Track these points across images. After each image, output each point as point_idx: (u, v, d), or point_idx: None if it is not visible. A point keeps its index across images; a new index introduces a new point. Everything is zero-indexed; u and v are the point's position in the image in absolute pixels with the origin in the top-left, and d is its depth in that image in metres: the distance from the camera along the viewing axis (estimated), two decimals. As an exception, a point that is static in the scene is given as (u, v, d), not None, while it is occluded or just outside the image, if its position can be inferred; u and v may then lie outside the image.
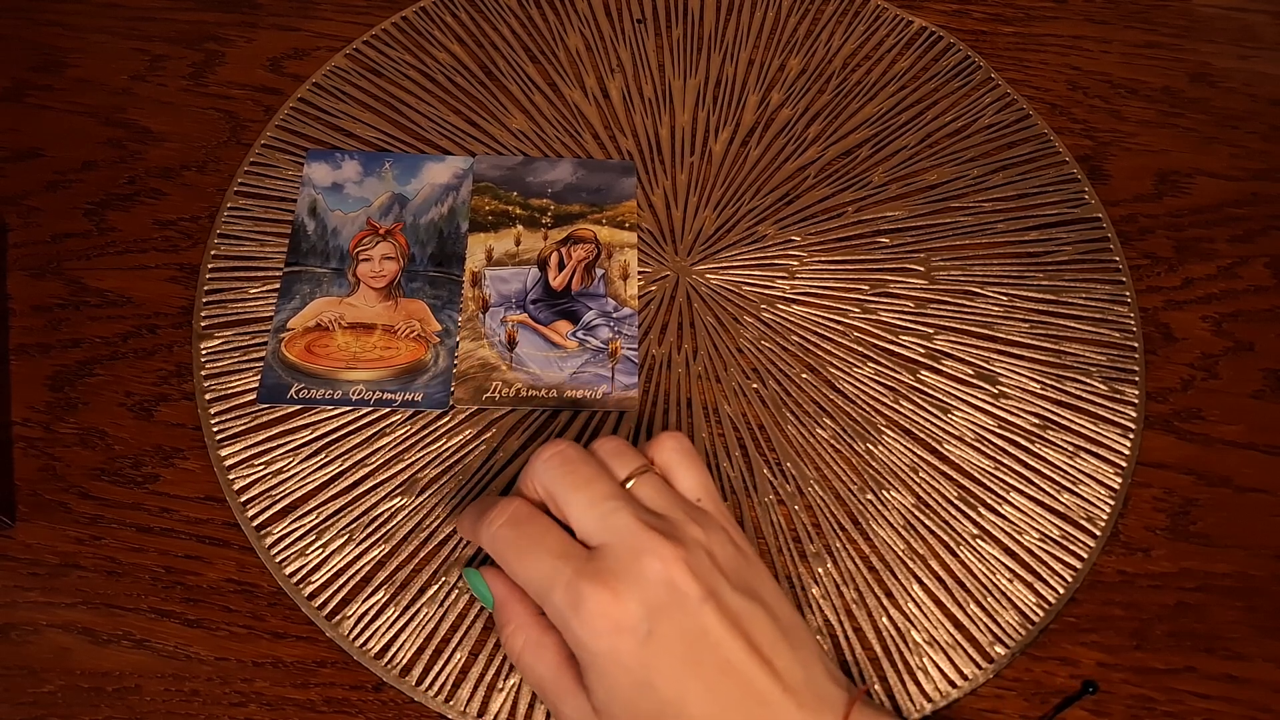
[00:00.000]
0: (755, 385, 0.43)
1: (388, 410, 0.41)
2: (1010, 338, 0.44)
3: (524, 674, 0.34)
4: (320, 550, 0.39)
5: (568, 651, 0.33)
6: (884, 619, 0.38)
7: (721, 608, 0.31)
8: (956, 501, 0.41)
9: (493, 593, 0.35)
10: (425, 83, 0.49)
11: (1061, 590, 0.39)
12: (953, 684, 0.38)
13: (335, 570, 0.38)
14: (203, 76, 0.49)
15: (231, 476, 0.40)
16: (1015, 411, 0.43)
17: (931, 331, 0.44)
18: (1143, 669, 0.38)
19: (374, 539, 0.39)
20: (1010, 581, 0.39)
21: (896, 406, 0.43)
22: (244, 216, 0.45)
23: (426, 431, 0.41)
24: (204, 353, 0.42)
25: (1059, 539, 0.40)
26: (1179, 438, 0.43)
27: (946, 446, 0.42)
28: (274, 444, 0.41)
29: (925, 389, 0.43)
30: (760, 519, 0.40)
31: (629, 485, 0.34)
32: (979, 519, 0.40)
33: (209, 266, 0.44)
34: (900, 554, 0.40)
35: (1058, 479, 0.41)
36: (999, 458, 0.42)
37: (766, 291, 0.45)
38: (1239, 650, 0.39)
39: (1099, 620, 0.39)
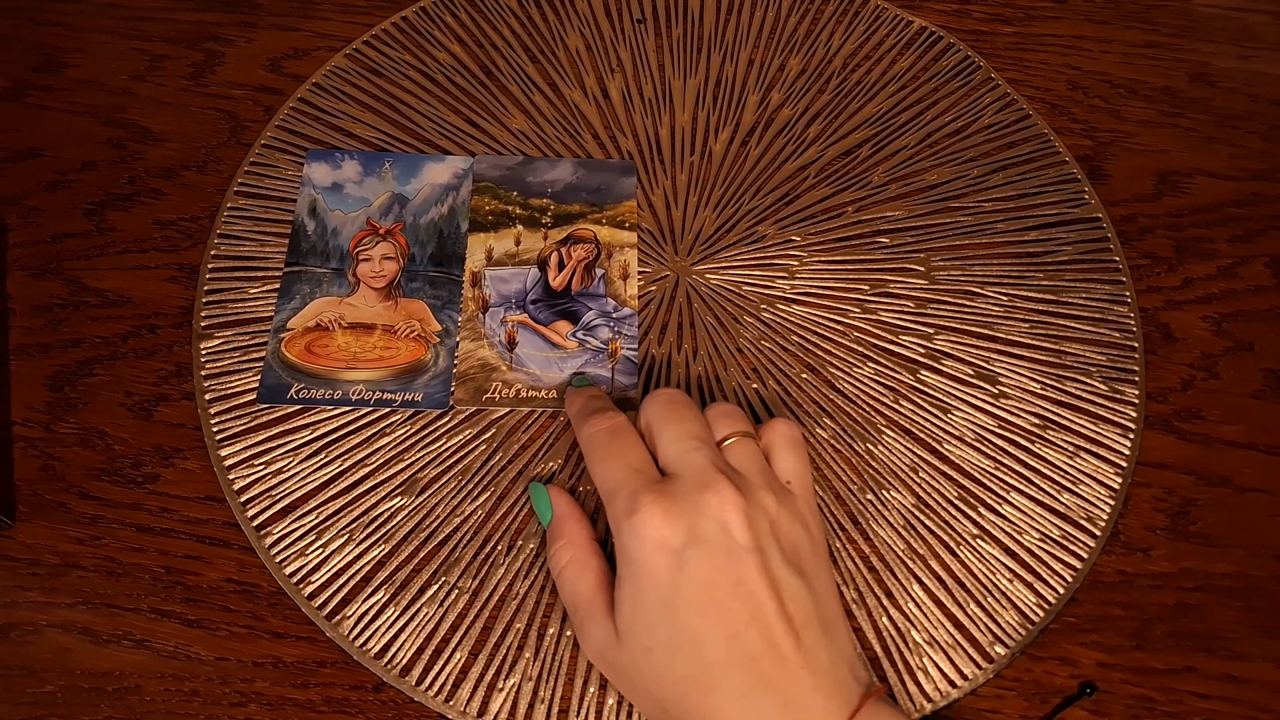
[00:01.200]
0: (755, 385, 0.43)
1: (388, 410, 0.41)
2: (1010, 338, 0.44)
3: (562, 590, 0.36)
4: (320, 550, 0.39)
5: (608, 578, 0.35)
6: (884, 619, 0.38)
7: (764, 566, 0.32)
8: (956, 501, 0.41)
9: (554, 507, 0.38)
10: (425, 83, 0.49)
11: (1061, 590, 0.39)
12: (953, 684, 0.38)
13: (335, 570, 0.38)
14: (203, 76, 0.49)
15: (231, 476, 0.40)
16: (1015, 411, 0.43)
17: (931, 331, 0.44)
18: (1143, 669, 0.38)
19: (374, 539, 0.39)
20: (1010, 581, 0.39)
21: (896, 406, 0.43)
22: (244, 216, 0.45)
23: (426, 432, 0.41)
24: (204, 353, 0.42)
25: (1059, 539, 0.40)
26: (1179, 438, 0.43)
27: (946, 446, 0.42)
28: (274, 444, 0.41)
29: (925, 389, 0.43)
30: (760, 519, 0.40)
31: (725, 443, 0.36)
32: (979, 519, 0.40)
33: (209, 266, 0.44)
34: (900, 554, 0.40)
35: (1058, 479, 0.41)
36: (999, 458, 0.42)
37: (766, 291, 0.45)
38: (1239, 650, 0.39)
39: (1099, 620, 0.39)
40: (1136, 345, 0.44)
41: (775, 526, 0.33)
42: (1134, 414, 0.43)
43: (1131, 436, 0.42)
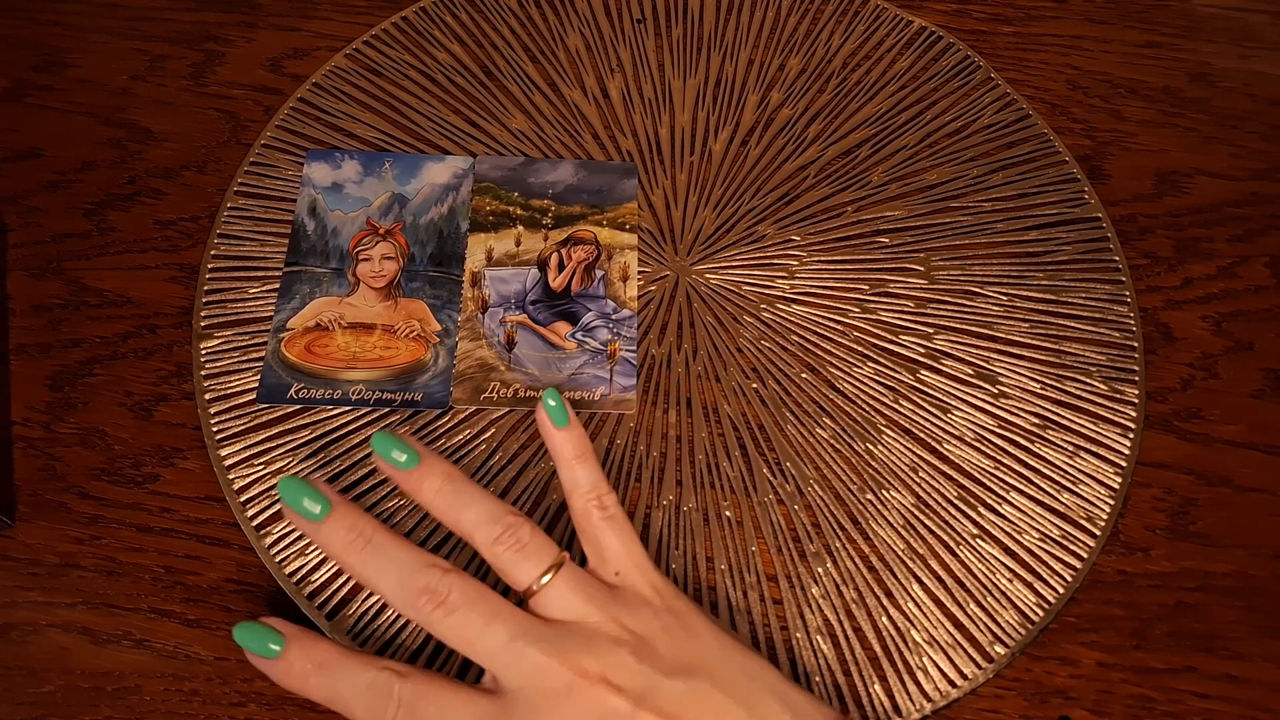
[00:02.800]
0: (755, 385, 0.43)
1: (387, 410, 0.41)
2: (1010, 337, 0.44)
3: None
4: (320, 550, 0.39)
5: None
6: (884, 619, 0.38)
7: (657, 709, 0.30)
8: (956, 501, 0.41)
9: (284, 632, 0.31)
10: (425, 83, 0.49)
11: (1061, 590, 0.39)
12: (953, 684, 0.38)
13: (335, 570, 0.38)
14: (203, 76, 0.49)
15: (231, 476, 0.40)
16: (1015, 411, 0.43)
17: (931, 331, 0.44)
18: (1142, 669, 0.38)
19: (374, 539, 0.39)
20: (1010, 581, 0.39)
21: (896, 406, 0.43)
22: (244, 216, 0.45)
23: (426, 431, 0.41)
24: (204, 352, 0.42)
25: (1059, 539, 0.40)
26: (1179, 437, 0.43)
27: (946, 446, 0.42)
28: (274, 444, 0.41)
29: (925, 389, 0.43)
30: (760, 519, 0.40)
31: (535, 592, 0.32)
32: (979, 519, 0.40)
33: (209, 266, 0.44)
34: (900, 554, 0.40)
35: (1057, 479, 0.41)
36: (999, 457, 0.42)
37: (766, 291, 0.45)
38: (1239, 650, 0.39)
39: (1099, 620, 0.39)
40: (1136, 345, 0.44)
41: (642, 648, 0.31)
42: (1134, 414, 0.43)
43: (1131, 436, 0.42)
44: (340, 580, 0.38)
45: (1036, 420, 0.42)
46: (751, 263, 0.46)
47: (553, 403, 0.35)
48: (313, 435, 0.41)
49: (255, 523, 0.39)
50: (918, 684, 0.37)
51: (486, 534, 0.32)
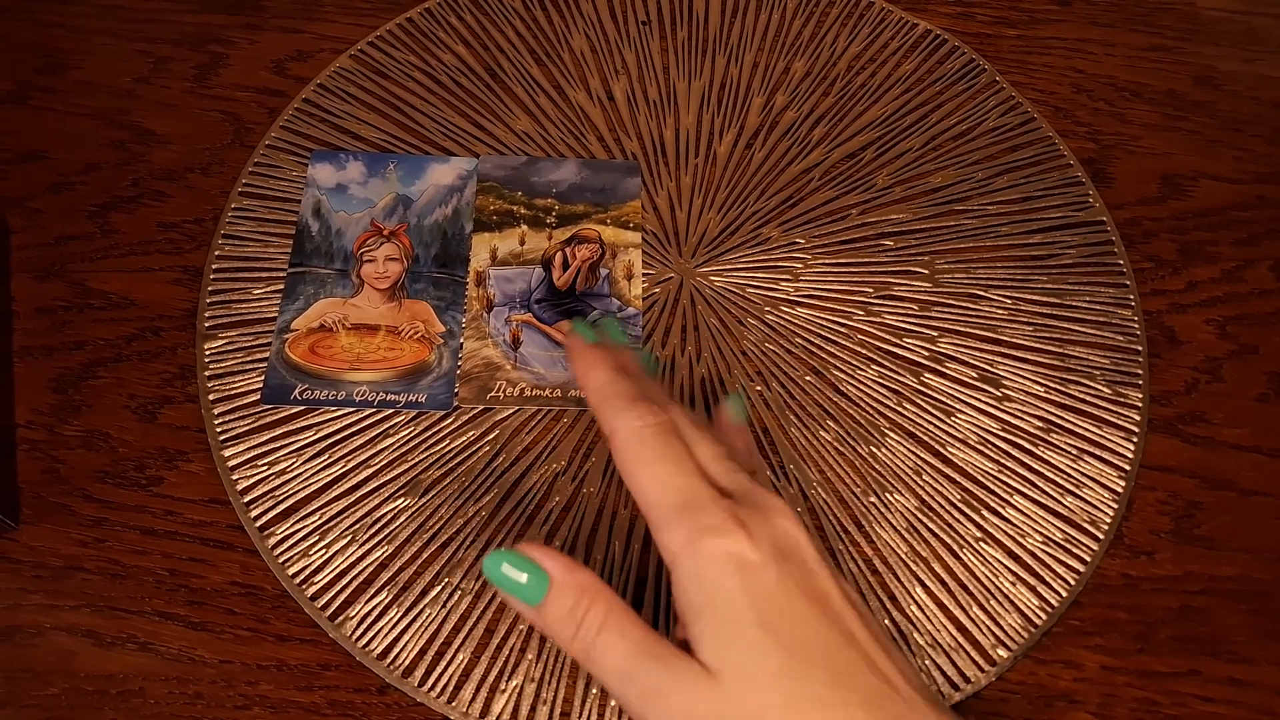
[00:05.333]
0: (759, 388, 0.43)
1: (391, 411, 0.41)
2: (1014, 341, 0.44)
3: (607, 659, 0.28)
4: (323, 551, 0.39)
5: (649, 626, 0.30)
6: (886, 621, 0.38)
7: (837, 581, 0.29)
8: (960, 504, 0.41)
9: (549, 569, 0.29)
10: (430, 84, 0.49)
11: (1064, 593, 0.39)
12: (955, 687, 0.38)
13: (338, 571, 0.38)
14: (206, 79, 0.49)
15: (235, 477, 0.40)
16: (1019, 414, 0.43)
17: (935, 334, 0.44)
18: (1147, 672, 0.38)
19: (377, 540, 0.39)
20: (1013, 584, 0.39)
21: (900, 409, 0.43)
22: (248, 217, 0.45)
23: (430, 433, 0.41)
24: (208, 353, 0.42)
25: (1062, 542, 0.40)
26: (1183, 441, 0.43)
27: (950, 449, 0.42)
28: (277, 445, 0.41)
29: (929, 392, 0.43)
30: (764, 522, 0.40)
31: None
32: (982, 522, 0.40)
33: (213, 267, 0.44)
34: (903, 556, 0.40)
35: (1061, 482, 0.41)
36: (1002, 461, 0.42)
37: (770, 294, 0.45)
38: (1243, 653, 0.39)
39: (1103, 623, 0.39)
40: (1140, 348, 0.44)
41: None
42: (1138, 417, 0.43)
43: (1135, 440, 0.42)
44: (343, 582, 0.38)
45: (1040, 424, 0.42)
46: (756, 265, 0.45)
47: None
48: (316, 436, 0.41)
49: (259, 524, 0.39)
50: (922, 687, 0.37)
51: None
